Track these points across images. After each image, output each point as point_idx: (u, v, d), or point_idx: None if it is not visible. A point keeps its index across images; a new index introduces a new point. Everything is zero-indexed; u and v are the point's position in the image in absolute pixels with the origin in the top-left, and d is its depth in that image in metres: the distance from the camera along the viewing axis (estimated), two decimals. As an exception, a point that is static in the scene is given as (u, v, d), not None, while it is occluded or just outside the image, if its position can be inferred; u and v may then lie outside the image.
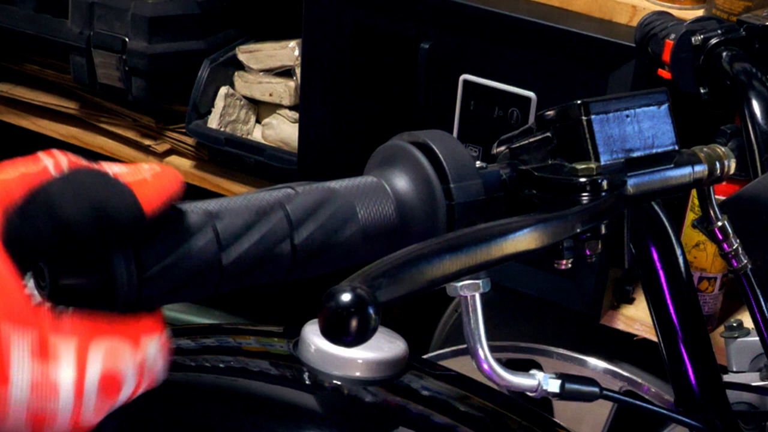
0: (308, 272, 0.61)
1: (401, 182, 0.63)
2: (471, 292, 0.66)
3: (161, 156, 2.02)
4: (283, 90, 1.92)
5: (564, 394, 0.76)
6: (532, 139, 0.71)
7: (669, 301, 0.86)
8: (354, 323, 0.49)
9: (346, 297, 0.49)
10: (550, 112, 0.70)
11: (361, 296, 0.49)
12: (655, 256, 0.85)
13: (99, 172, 0.54)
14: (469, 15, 1.52)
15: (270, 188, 0.63)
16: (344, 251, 0.60)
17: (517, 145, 0.71)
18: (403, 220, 0.62)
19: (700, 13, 1.51)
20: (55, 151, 0.56)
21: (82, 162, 0.55)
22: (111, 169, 0.55)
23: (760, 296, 0.83)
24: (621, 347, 1.64)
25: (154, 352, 0.54)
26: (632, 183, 0.71)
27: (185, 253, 0.56)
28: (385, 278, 0.52)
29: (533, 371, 0.75)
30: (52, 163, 0.55)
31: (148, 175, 0.55)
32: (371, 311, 0.49)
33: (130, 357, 0.54)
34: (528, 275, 1.58)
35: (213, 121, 1.95)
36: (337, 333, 0.49)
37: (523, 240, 0.61)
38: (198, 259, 0.57)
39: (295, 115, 1.91)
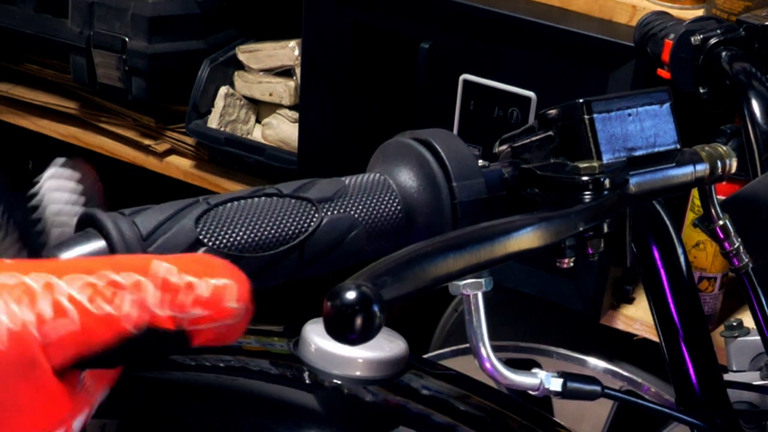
0: (314, 271, 0.61)
1: (407, 180, 0.63)
2: (474, 290, 0.67)
3: (161, 156, 2.02)
4: (283, 90, 1.92)
5: (566, 393, 0.76)
6: (534, 138, 0.71)
7: (670, 300, 0.86)
8: (359, 321, 0.49)
9: (350, 295, 0.49)
10: (552, 111, 0.70)
11: (365, 294, 0.49)
12: (657, 255, 0.86)
13: (172, 336, 0.51)
14: (469, 15, 1.52)
15: (271, 186, 0.63)
16: (350, 251, 0.60)
17: (519, 143, 0.71)
18: (409, 219, 0.62)
19: (699, 12, 1.51)
20: (142, 289, 0.51)
21: (159, 315, 0.51)
22: (190, 314, 0.51)
23: (761, 295, 0.84)
24: (621, 347, 1.64)
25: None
26: (634, 182, 0.71)
27: None
28: (390, 276, 0.52)
29: (535, 370, 0.75)
30: (133, 315, 0.51)
31: (221, 330, 0.51)
32: (376, 309, 0.49)
33: None
34: (528, 275, 1.58)
35: (213, 121, 1.95)
36: (342, 331, 0.49)
37: (526, 238, 0.61)
38: None
39: (295, 114, 1.91)
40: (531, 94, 1.50)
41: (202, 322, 0.51)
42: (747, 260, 0.84)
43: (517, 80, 1.51)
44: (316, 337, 0.96)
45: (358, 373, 0.95)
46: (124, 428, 0.98)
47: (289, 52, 1.90)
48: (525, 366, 0.77)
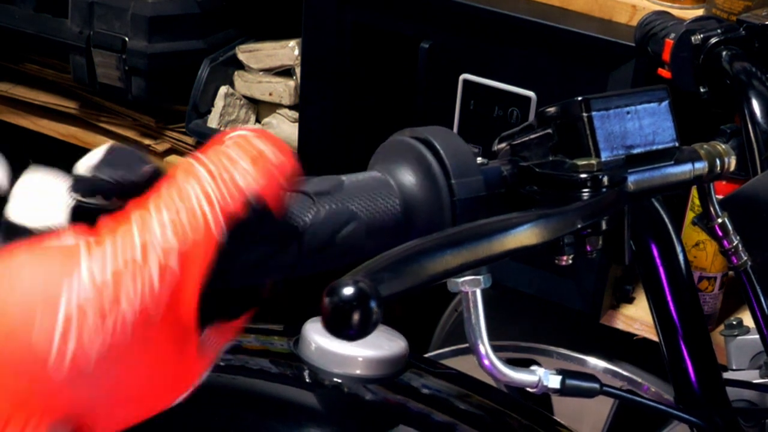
0: (313, 268, 0.61)
1: (406, 177, 0.63)
2: (472, 287, 0.67)
3: (161, 155, 2.02)
4: (283, 89, 1.93)
5: (564, 390, 0.76)
6: (532, 136, 0.71)
7: (669, 299, 0.86)
8: (356, 317, 0.49)
9: (348, 291, 0.49)
10: (551, 109, 0.70)
11: (363, 290, 0.49)
12: (656, 253, 0.85)
13: None
14: (469, 14, 1.52)
15: None
16: (348, 246, 0.60)
17: (518, 141, 0.71)
18: (407, 216, 0.62)
19: (699, 12, 1.51)
20: None
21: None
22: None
23: (760, 293, 0.84)
24: (621, 347, 1.64)
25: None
26: (633, 179, 0.71)
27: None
28: (387, 272, 0.52)
29: (534, 367, 0.75)
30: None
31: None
32: (373, 305, 0.49)
33: None
34: (528, 274, 1.58)
35: (213, 121, 1.95)
36: (339, 327, 0.49)
37: (524, 235, 0.61)
38: None
39: (295, 114, 1.91)
40: (531, 93, 1.50)
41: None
42: (746, 258, 0.84)
43: (517, 80, 1.51)
44: (316, 336, 0.96)
45: (358, 372, 0.95)
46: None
47: (289, 51, 1.90)
48: (525, 365, 0.77)
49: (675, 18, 1.10)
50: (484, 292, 0.70)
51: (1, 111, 2.16)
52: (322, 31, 1.64)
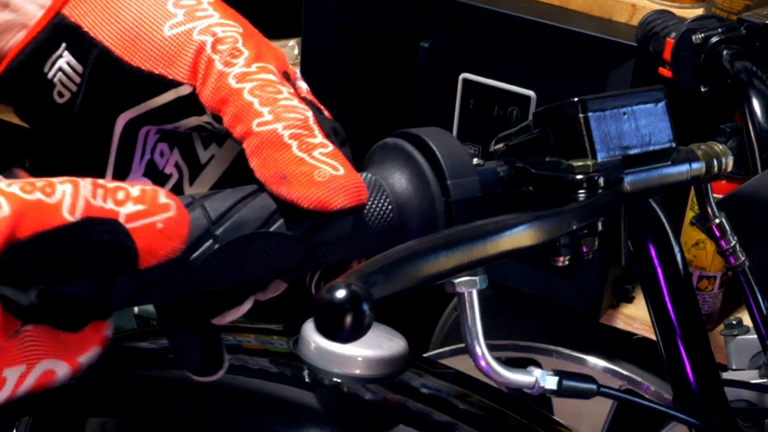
0: (306, 270, 0.61)
1: (398, 179, 0.63)
2: (468, 288, 0.66)
3: (162, 155, 2.02)
4: (284, 89, 1.93)
5: (561, 391, 0.76)
6: (529, 137, 0.70)
7: (667, 299, 0.86)
8: (348, 319, 0.49)
9: (340, 293, 0.49)
10: (548, 110, 0.70)
11: (355, 293, 0.49)
12: (653, 253, 0.85)
13: (111, 224, 0.51)
14: (468, 14, 1.52)
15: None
16: (342, 249, 0.60)
17: (515, 142, 0.71)
18: (400, 218, 0.62)
19: (699, 11, 1.51)
20: (75, 183, 0.51)
21: (95, 205, 0.51)
22: (126, 208, 0.52)
23: (758, 293, 0.84)
24: (620, 346, 1.64)
25: (87, 361, 0.53)
26: (629, 180, 0.70)
27: (186, 265, 0.56)
28: (381, 275, 0.52)
29: (531, 368, 0.75)
30: (68, 202, 0.50)
31: (159, 225, 0.53)
32: (366, 308, 0.49)
33: (63, 375, 0.52)
34: (527, 274, 1.58)
35: (213, 120, 1.95)
36: (331, 329, 0.49)
37: (520, 237, 0.61)
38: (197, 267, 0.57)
39: (296, 114, 1.91)
40: (530, 93, 1.50)
41: (139, 218, 0.52)
42: (743, 259, 0.84)
43: (517, 79, 1.51)
44: (316, 336, 0.96)
45: (357, 372, 0.95)
46: (124, 427, 0.98)
47: (289, 51, 1.90)
48: (525, 365, 0.77)
49: (676, 17, 1.10)
50: (481, 292, 0.69)
51: (0, 110, 2.16)
52: (322, 31, 1.64)
